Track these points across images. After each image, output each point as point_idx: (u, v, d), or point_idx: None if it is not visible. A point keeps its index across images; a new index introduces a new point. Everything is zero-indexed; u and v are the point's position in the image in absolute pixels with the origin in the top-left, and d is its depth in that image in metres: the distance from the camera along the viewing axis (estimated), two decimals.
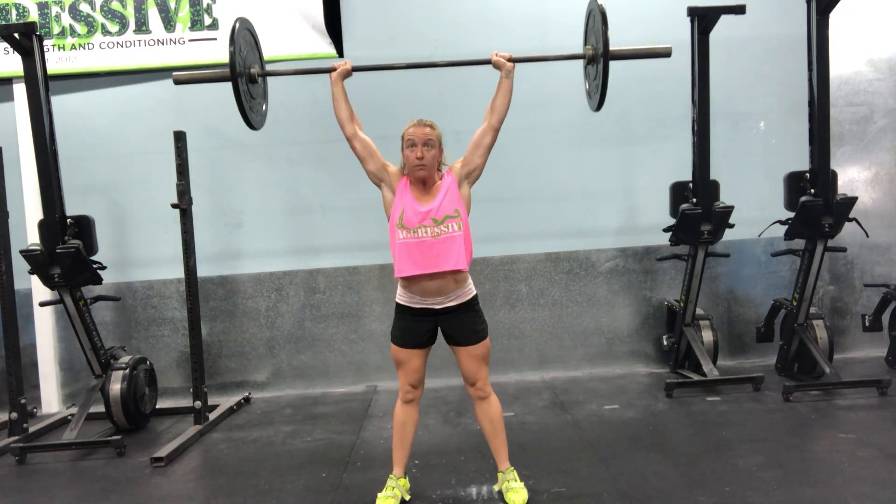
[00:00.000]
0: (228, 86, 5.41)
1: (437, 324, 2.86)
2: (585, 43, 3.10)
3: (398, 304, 2.90)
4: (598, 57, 2.83)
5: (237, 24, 2.95)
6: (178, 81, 3.16)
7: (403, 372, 2.90)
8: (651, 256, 5.27)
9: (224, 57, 5.11)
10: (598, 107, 3.02)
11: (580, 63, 5.19)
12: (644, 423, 3.96)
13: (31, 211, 5.10)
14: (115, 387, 4.31)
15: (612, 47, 2.84)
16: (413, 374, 2.89)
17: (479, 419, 2.97)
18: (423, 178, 2.78)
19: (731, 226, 4.58)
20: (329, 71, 2.96)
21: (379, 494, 2.93)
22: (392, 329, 2.92)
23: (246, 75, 3.01)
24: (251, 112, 3.08)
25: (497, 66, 2.93)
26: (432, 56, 5.26)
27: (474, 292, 2.90)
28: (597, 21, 2.84)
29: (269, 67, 5.19)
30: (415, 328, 2.86)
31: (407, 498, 2.99)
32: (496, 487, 3.02)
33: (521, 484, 2.93)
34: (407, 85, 5.23)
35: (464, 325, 2.84)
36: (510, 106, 2.89)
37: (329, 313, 5.30)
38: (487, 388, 2.91)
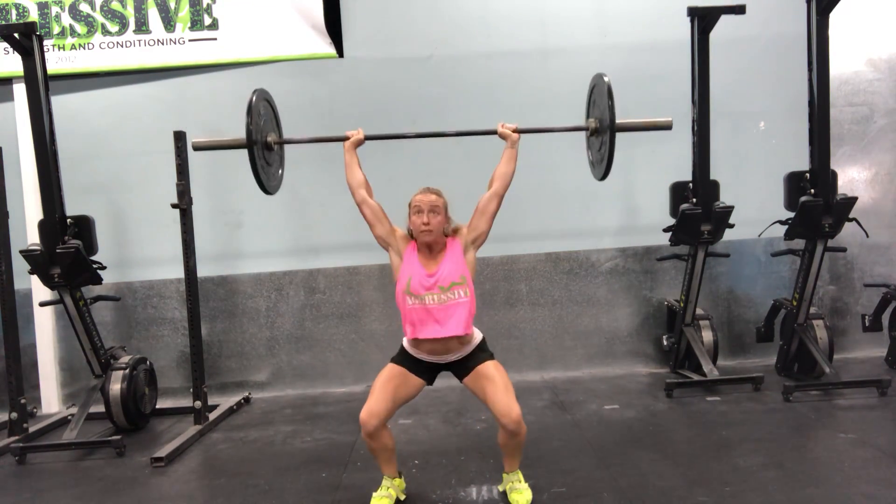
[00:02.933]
0: (229, 85, 5.42)
1: (442, 368, 2.92)
2: (588, 115, 3.18)
3: (403, 350, 2.94)
4: (605, 129, 2.93)
5: (254, 97, 3.03)
6: (196, 148, 3.34)
7: (376, 393, 2.78)
8: (651, 256, 5.27)
9: (224, 57, 5.20)
10: (604, 176, 3.09)
11: (581, 64, 5.22)
12: (644, 423, 3.96)
13: (31, 211, 5.10)
14: (115, 387, 4.31)
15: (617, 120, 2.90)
16: (381, 401, 2.75)
17: (500, 441, 2.87)
18: (428, 243, 2.85)
19: (731, 226, 4.58)
20: (342, 139, 3.07)
21: (374, 494, 2.94)
22: (394, 357, 2.95)
23: (262, 144, 3.10)
24: (267, 178, 3.19)
25: (503, 136, 3.00)
26: (431, 55, 5.27)
27: (480, 338, 2.93)
28: (603, 96, 2.91)
29: (268, 70, 5.27)
30: (419, 364, 2.89)
31: (402, 497, 2.99)
32: (500, 488, 3.02)
33: (526, 485, 2.92)
34: (407, 87, 5.24)
35: (470, 358, 2.87)
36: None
37: (329, 313, 5.30)
38: (522, 423, 2.75)
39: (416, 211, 2.83)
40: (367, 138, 3.12)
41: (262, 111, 3.12)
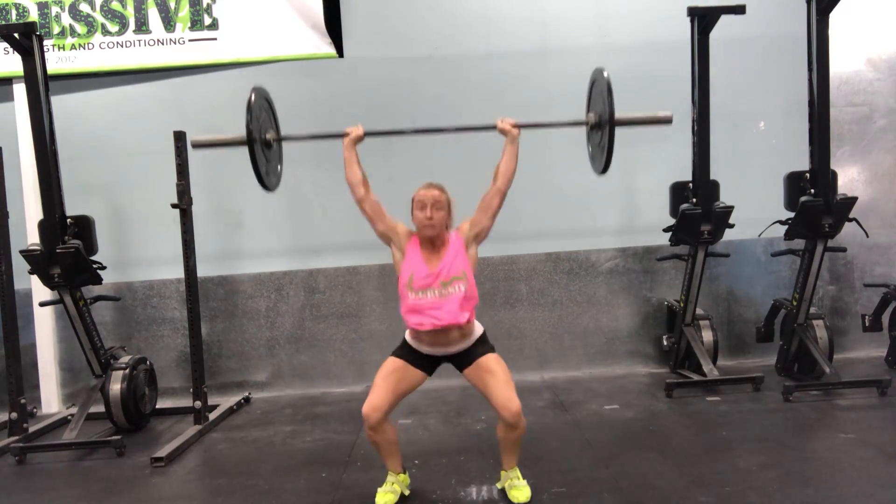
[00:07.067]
0: (229, 85, 5.42)
1: (443, 360, 2.92)
2: (589, 110, 3.19)
3: (405, 342, 2.94)
4: (604, 124, 2.95)
5: (253, 95, 3.05)
6: (195, 145, 3.29)
7: (378, 387, 2.81)
8: (651, 256, 5.27)
9: (224, 57, 5.20)
10: (604, 170, 3.08)
11: (580, 64, 5.18)
12: (644, 423, 3.96)
13: (31, 211, 5.10)
14: (115, 387, 4.31)
15: (616, 115, 2.92)
16: (383, 394, 2.78)
17: (499, 434, 2.90)
18: (431, 237, 2.85)
19: (731, 226, 4.58)
20: (342, 136, 3.06)
21: (378, 490, 2.94)
22: (395, 350, 2.95)
23: (261, 141, 3.12)
24: (267, 175, 3.19)
25: (503, 132, 2.97)
26: (431, 55, 5.27)
27: (481, 331, 2.94)
28: (602, 92, 2.93)
29: (268, 70, 5.27)
30: (420, 357, 2.90)
31: (407, 493, 3.00)
32: (499, 485, 3.03)
33: (525, 482, 2.93)
34: (407, 87, 5.24)
35: (471, 351, 2.87)
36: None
37: (329, 313, 5.30)
38: (521, 416, 2.77)
39: (419, 206, 2.83)
40: (367, 134, 3.10)
41: (260, 108, 3.12)
